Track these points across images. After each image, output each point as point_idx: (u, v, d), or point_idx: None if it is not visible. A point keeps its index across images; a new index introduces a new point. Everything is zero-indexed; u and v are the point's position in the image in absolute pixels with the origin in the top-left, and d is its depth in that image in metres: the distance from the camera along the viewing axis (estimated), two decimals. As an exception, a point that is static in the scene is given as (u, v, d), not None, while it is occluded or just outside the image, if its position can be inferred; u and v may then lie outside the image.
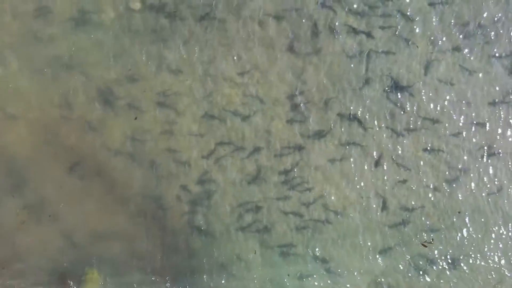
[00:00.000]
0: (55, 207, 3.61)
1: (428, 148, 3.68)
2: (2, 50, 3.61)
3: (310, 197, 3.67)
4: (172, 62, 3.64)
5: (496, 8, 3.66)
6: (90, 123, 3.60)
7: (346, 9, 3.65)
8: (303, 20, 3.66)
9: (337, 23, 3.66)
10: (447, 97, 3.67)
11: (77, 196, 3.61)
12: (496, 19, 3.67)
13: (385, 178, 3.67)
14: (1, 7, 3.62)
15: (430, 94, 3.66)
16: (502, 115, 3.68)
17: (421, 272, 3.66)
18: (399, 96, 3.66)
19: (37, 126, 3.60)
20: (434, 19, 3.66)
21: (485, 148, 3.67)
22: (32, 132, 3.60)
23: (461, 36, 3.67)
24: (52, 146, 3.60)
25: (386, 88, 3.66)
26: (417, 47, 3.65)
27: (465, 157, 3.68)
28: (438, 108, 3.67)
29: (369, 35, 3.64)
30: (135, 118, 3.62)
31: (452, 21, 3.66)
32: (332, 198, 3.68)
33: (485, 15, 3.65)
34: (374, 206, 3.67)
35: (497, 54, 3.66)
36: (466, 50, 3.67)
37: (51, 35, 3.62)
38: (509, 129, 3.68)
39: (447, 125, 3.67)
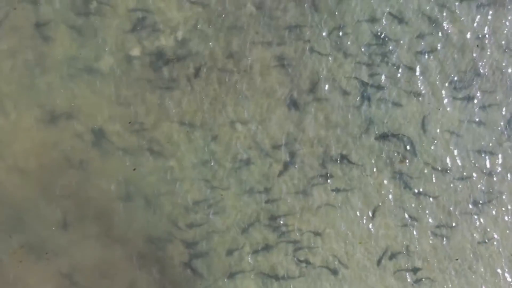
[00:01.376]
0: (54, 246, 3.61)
1: (427, 194, 3.75)
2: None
3: (306, 241, 3.72)
4: (172, 110, 3.65)
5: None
6: (87, 168, 3.60)
7: (347, 58, 3.71)
8: (303, 69, 3.72)
9: (337, 73, 3.72)
10: (450, 146, 3.74)
11: (75, 237, 3.62)
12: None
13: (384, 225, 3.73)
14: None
15: (431, 144, 3.75)
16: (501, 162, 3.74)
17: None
18: (399, 145, 3.72)
19: (35, 173, 3.59)
20: (434, 70, 3.71)
21: (487, 195, 3.77)
22: (30, 178, 3.58)
23: (458, 86, 3.75)
24: (49, 190, 3.59)
25: (385, 136, 3.71)
26: (418, 97, 3.70)
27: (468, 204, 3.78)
28: (440, 157, 3.76)
29: (370, 85, 3.71)
30: (134, 170, 3.64)
31: (452, 71, 3.72)
32: (332, 245, 3.72)
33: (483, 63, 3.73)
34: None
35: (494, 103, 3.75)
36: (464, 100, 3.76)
37: (49, 83, 3.59)
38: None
39: (449, 172, 3.76)
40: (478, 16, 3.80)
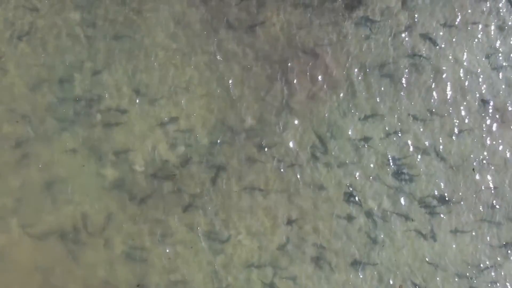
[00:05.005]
0: None
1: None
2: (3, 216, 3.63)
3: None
4: (174, 229, 3.69)
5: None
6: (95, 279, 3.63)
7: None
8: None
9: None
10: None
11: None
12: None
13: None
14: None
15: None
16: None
17: None
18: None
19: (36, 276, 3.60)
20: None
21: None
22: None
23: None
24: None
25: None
26: (412, 220, 3.80)
27: None
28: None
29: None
30: (137, 286, 3.67)
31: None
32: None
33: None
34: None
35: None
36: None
37: (52, 196, 3.64)
38: None
39: None
40: None
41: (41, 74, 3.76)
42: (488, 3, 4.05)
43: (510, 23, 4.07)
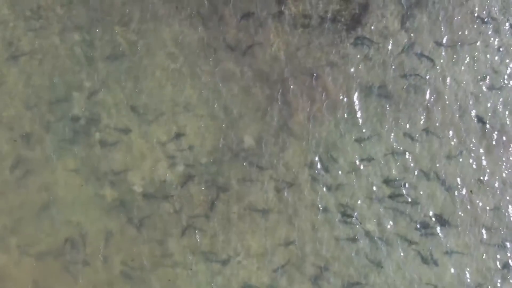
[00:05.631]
0: None
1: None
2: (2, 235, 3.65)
3: None
4: (173, 250, 3.70)
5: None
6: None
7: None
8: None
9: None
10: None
11: None
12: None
13: None
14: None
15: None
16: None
17: None
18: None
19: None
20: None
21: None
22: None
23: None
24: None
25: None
26: (410, 241, 3.81)
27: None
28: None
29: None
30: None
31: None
32: None
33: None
34: None
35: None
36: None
37: (50, 216, 3.65)
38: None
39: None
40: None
41: (40, 94, 3.77)
42: (486, 24, 4.07)
43: (507, 44, 4.10)
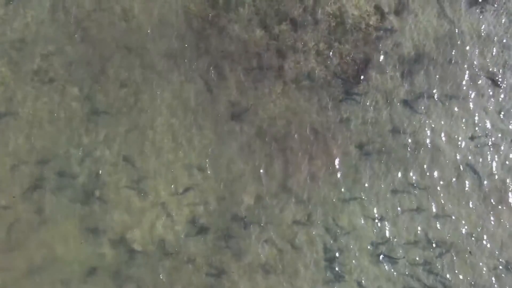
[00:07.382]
0: None
1: None
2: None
3: None
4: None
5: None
6: None
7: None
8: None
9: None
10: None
11: None
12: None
13: None
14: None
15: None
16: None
17: None
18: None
19: None
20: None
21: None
22: None
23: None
24: None
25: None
26: None
27: None
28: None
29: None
30: None
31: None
32: None
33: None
34: None
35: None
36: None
37: (52, 279, 3.63)
38: None
39: None
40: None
41: (37, 151, 3.73)
42: (481, 81, 4.16)
43: (499, 99, 4.16)
